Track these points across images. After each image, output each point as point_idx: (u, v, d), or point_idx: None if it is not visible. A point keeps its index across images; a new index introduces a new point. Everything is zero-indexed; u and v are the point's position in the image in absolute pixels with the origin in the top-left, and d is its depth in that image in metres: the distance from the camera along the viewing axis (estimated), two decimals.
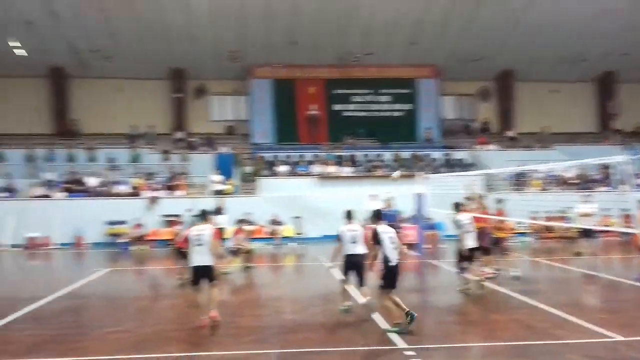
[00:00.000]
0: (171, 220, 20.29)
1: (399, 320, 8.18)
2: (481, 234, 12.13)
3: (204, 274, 8.85)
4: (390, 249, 8.48)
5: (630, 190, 10.26)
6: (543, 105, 30.35)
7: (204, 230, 8.97)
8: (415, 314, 8.20)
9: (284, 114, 28.62)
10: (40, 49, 25.68)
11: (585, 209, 15.86)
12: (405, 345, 7.42)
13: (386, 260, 8.46)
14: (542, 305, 9.74)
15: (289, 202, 22.29)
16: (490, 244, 12.56)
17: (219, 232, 9.79)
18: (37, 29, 24.36)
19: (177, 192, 23.09)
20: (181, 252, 11.97)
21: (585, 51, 28.01)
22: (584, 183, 24.30)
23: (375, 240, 8.60)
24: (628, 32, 26.41)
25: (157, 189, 22.97)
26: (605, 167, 23.71)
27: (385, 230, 8.63)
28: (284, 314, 9.72)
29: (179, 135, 28.00)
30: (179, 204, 21.12)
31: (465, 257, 11.30)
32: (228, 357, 7.29)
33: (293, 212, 22.00)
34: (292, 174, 24.74)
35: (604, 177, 24.00)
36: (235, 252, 14.66)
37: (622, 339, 7.57)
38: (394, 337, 7.85)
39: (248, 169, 25.38)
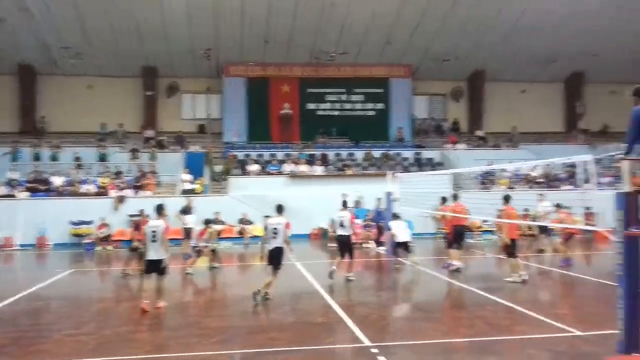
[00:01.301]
0: (137, 220, 19.96)
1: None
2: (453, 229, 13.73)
3: (155, 267, 9.69)
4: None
5: (593, 189, 10.49)
6: (512, 105, 30.79)
7: (158, 227, 9.69)
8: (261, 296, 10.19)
9: (257, 112, 28.46)
10: (9, 45, 25.12)
11: (540, 207, 16.16)
12: (369, 343, 7.46)
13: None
14: (504, 302, 9.92)
15: (259, 201, 22.18)
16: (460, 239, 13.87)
17: (169, 228, 10.52)
18: (7, 26, 23.80)
19: (145, 192, 22.75)
20: (134, 248, 13.15)
21: (555, 52, 28.51)
22: (550, 182, 24.78)
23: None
24: (596, 34, 26.98)
25: (124, 189, 22.60)
26: (571, 166, 24.21)
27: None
28: (251, 313, 9.68)
29: (149, 133, 27.64)
30: (147, 203, 20.79)
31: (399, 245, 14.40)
32: (192, 359, 7.21)
33: (263, 211, 21.89)
34: (264, 172, 24.64)
35: (569, 176, 24.50)
36: (199, 252, 14.52)
37: (580, 333, 7.76)
38: (360, 334, 7.90)
39: (219, 167, 25.19)
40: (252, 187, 23.11)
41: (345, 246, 12.64)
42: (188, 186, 22.82)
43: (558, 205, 15.10)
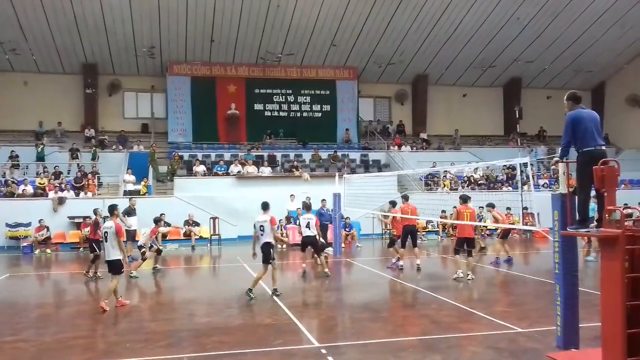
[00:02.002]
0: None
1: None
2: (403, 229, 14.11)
3: (109, 267, 10.06)
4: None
5: (531, 190, 10.93)
6: (455, 109, 31.76)
7: (110, 228, 9.95)
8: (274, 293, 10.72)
9: (202, 112, 28.07)
10: None
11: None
12: (318, 344, 7.51)
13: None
14: (449, 301, 10.21)
15: (206, 202, 21.88)
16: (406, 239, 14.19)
17: (122, 228, 10.48)
18: None
19: (86, 193, 22.02)
20: (92, 246, 13.15)
21: (494, 57, 29.62)
22: (490, 183, 25.65)
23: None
24: (532, 41, 28.29)
25: (64, 190, 21.77)
26: (510, 168, 25.17)
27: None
28: (198, 316, 9.54)
29: (90, 132, 26.75)
30: (88, 205, 20.14)
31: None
32: None
33: (210, 213, 21.62)
34: (210, 174, 24.33)
35: (509, 178, 25.44)
36: (143, 254, 14.17)
37: (522, 330, 8.07)
38: (309, 335, 7.94)
39: (163, 168, 24.67)
40: (199, 188, 22.77)
41: (312, 246, 13.58)
42: (131, 187, 22.27)
43: (489, 205, 15.47)
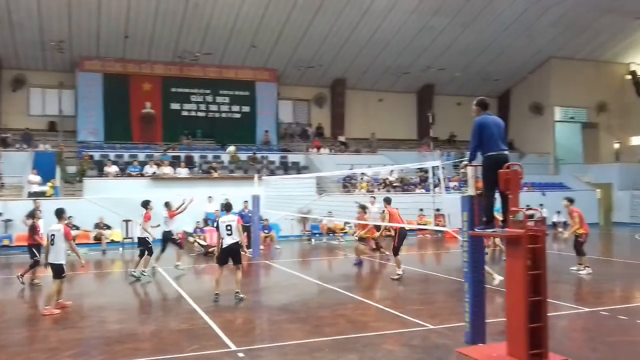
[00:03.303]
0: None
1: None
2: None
3: (53, 270, 9.91)
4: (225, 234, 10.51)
5: (442, 192, 11.38)
6: (371, 113, 32.57)
7: (58, 231, 9.84)
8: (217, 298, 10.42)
9: (115, 110, 26.96)
10: None
11: (373, 209, 17.21)
12: (236, 347, 7.44)
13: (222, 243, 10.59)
14: (365, 300, 10.45)
15: (118, 204, 21.03)
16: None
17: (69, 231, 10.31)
18: None
19: None
20: (32, 251, 12.48)
21: (407, 65, 30.67)
22: (405, 185, 26.52)
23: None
24: (443, 50, 29.60)
25: None
26: (423, 171, 26.12)
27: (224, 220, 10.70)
28: (109, 323, 9.15)
29: None
30: None
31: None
32: None
33: (122, 215, 20.81)
34: (123, 174, 23.41)
35: (422, 180, 26.40)
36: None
37: (433, 327, 8.40)
38: (226, 339, 7.85)
39: (72, 168, 23.45)
40: (111, 189, 21.82)
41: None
42: (36, 188, 20.99)
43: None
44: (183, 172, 24.19)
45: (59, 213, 10.30)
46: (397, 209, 13.39)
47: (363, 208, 15.68)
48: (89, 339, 8.35)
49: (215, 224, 11.87)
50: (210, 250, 17.50)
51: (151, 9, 24.25)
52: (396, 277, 12.63)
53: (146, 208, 13.85)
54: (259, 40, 27.25)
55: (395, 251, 12.93)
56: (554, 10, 27.30)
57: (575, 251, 13.48)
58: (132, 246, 20.27)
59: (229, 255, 10.58)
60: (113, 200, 21.15)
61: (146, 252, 13.73)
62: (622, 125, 33.78)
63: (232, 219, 10.72)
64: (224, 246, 10.54)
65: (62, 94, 27.49)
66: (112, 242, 20.31)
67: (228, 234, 10.54)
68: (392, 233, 13.23)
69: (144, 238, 13.77)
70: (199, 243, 18.90)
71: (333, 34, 27.41)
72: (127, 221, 20.45)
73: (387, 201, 13.23)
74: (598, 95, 33.16)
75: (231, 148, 21.11)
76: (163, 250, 14.73)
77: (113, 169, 23.33)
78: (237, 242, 10.60)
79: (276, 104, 30.22)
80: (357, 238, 15.82)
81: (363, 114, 32.45)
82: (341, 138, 31.22)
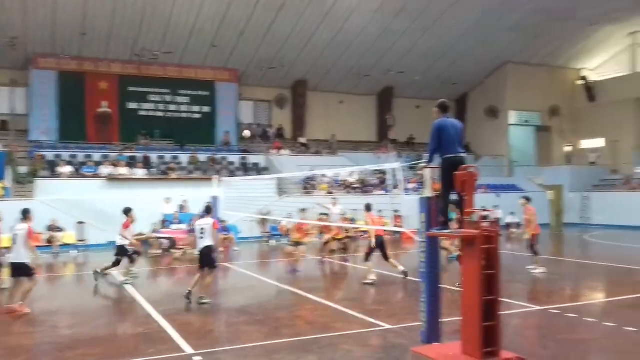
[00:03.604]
0: None
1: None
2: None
3: (19, 270, 9.93)
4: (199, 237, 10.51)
5: (401, 194, 11.50)
6: (332, 115, 32.69)
7: (21, 230, 9.95)
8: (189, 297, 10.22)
9: (69, 109, 26.24)
10: None
11: (335, 210, 17.38)
12: (192, 351, 7.33)
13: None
14: (323, 301, 10.47)
15: (71, 205, 20.43)
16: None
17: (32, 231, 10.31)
18: None
19: None
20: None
21: (368, 67, 30.93)
22: (364, 187, 26.72)
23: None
24: (403, 53, 29.98)
25: None
26: (382, 172, 26.38)
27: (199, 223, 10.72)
28: (60, 328, 8.89)
29: None
30: None
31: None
32: None
33: (76, 217, 20.23)
34: (77, 175, 22.76)
35: (380, 182, 26.66)
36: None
37: (391, 327, 8.47)
38: (182, 342, 7.72)
39: (23, 168, 22.68)
40: (64, 190, 21.20)
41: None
42: None
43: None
44: (140, 172, 23.72)
45: (25, 213, 10.40)
46: (380, 210, 13.31)
47: (325, 215, 15.83)
48: (39, 344, 8.11)
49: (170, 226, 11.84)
50: (176, 251, 17.39)
51: (109, 5, 23.70)
52: (369, 281, 12.54)
53: (127, 215, 13.25)
54: (219, 40, 27.00)
55: (367, 256, 12.76)
56: (510, 17, 28.02)
57: (531, 251, 13.85)
58: (84, 249, 19.78)
59: (200, 258, 10.51)
60: (66, 202, 20.56)
61: (128, 260, 13.25)
62: (573, 129, 34.95)
63: (207, 222, 10.62)
64: (197, 250, 10.64)
65: (14, 91, 26.56)
66: (65, 244, 19.73)
67: (200, 237, 10.50)
68: (371, 239, 12.96)
69: (122, 246, 13.20)
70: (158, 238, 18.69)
71: (295, 35, 27.40)
72: (80, 223, 19.87)
73: (367, 208, 13.07)
74: (551, 100, 34.21)
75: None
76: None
77: (66, 169, 22.69)
78: (208, 246, 10.47)
79: (237, 104, 29.99)
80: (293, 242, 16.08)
81: (324, 115, 32.54)
82: (302, 139, 31.23)
